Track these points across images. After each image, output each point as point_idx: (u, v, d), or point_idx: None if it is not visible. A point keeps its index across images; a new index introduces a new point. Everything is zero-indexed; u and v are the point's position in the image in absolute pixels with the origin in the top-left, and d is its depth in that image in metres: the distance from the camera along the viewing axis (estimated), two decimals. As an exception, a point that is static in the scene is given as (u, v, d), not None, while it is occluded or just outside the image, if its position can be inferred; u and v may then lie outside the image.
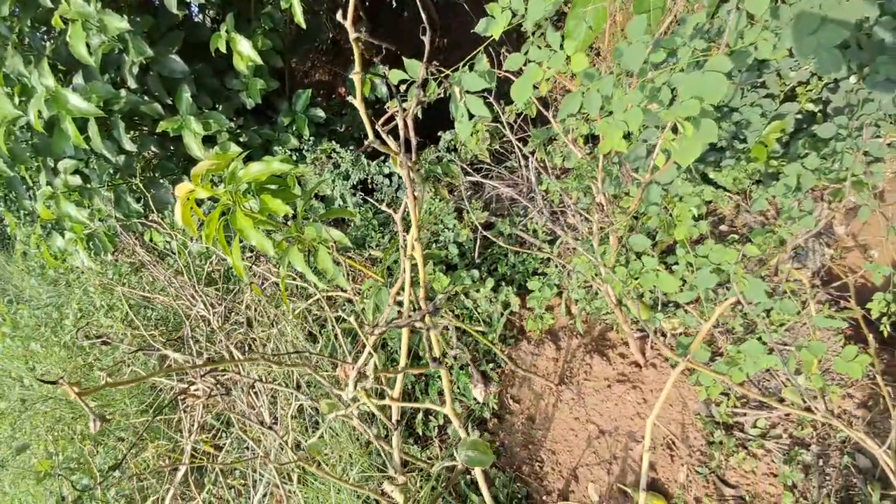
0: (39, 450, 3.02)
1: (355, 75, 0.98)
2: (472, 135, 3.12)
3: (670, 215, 1.59)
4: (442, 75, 1.13)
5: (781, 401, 1.79)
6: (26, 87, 2.88)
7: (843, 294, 1.94)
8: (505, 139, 3.02)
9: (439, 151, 3.10)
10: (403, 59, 1.14)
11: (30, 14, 2.84)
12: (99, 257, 3.27)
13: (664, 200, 1.63)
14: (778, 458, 1.79)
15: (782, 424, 1.85)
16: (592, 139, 2.19)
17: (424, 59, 0.94)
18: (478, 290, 2.45)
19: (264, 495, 2.06)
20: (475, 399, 2.33)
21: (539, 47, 1.05)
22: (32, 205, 3.34)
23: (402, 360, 1.37)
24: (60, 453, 2.87)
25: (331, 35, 5.23)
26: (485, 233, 2.30)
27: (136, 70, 3.03)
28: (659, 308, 1.90)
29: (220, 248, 1.52)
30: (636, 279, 1.51)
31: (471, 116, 1.12)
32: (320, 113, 3.54)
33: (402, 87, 1.17)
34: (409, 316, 1.23)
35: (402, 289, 1.31)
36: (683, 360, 1.10)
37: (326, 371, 2.09)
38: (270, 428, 1.91)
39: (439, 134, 3.15)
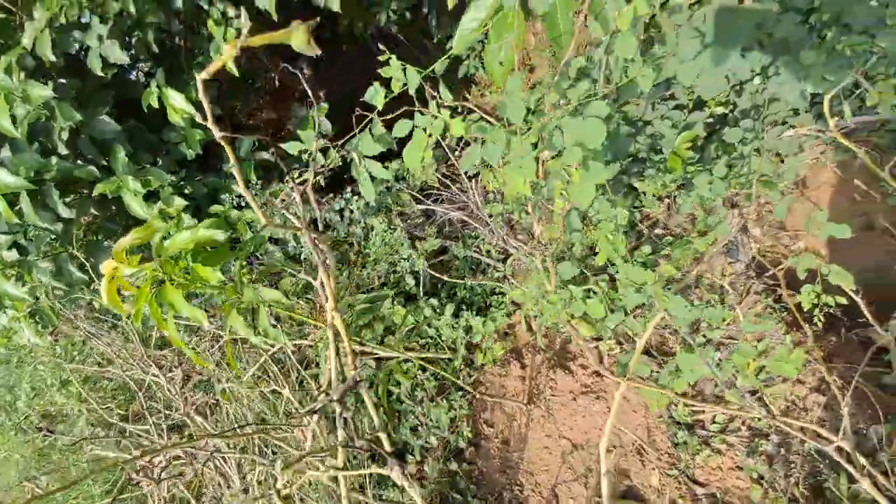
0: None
1: (234, 167, 0.97)
2: (420, 161, 3.15)
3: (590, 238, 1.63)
4: (340, 142, 1.14)
5: (723, 402, 1.84)
6: (-53, 165, 2.76)
7: (777, 283, 2.02)
8: (451, 162, 3.06)
9: (387, 181, 3.11)
10: (299, 132, 1.14)
11: (-55, 90, 2.73)
12: (46, 332, 3.12)
13: (587, 225, 1.68)
14: (741, 452, 1.83)
15: (739, 417, 1.90)
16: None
17: (315, 133, 0.95)
18: (438, 319, 2.45)
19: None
20: (447, 425, 2.30)
21: (422, 114, 1.08)
22: (-32, 286, 3.17)
23: (340, 435, 1.34)
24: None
25: (274, 75, 5.21)
26: (440, 257, 2.30)
27: (65, 135, 2.94)
28: (606, 315, 1.93)
29: (154, 322, 1.48)
30: (568, 306, 1.53)
31: (373, 178, 1.13)
32: (266, 155, 3.51)
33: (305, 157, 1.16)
34: (326, 395, 1.21)
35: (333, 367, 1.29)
36: (623, 381, 1.12)
37: (288, 432, 2.04)
38: (245, 491, 1.84)
39: (385, 165, 3.16)
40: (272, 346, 2.17)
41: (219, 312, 1.51)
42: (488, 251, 2.52)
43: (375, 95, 1.09)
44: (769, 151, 1.59)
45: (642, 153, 1.71)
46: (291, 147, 1.12)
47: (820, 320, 1.51)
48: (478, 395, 2.41)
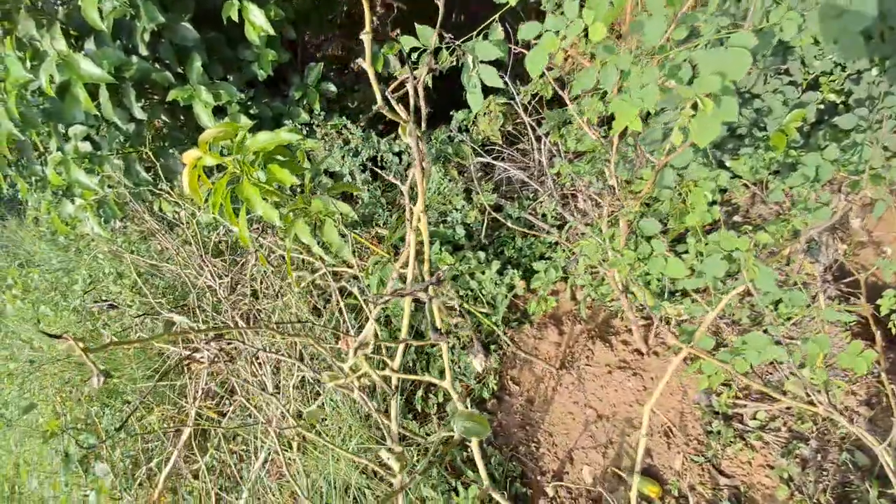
0: (47, 410, 3.10)
1: (365, 35, 0.95)
2: (483, 115, 3.08)
3: (683, 202, 1.57)
4: (455, 44, 1.10)
5: (784, 393, 1.78)
6: (38, 51, 2.86)
7: (854, 291, 1.91)
8: (518, 121, 2.98)
9: (451, 131, 3.07)
10: (416, 26, 1.11)
11: (42, -25, 2.81)
12: (108, 225, 3.29)
13: (678, 186, 1.60)
14: (775, 451, 1.79)
15: (782, 418, 1.85)
16: (608, 122, 2.15)
17: (437, 25, 0.92)
18: (483, 272, 2.44)
19: (265, 461, 2.11)
20: (475, 372, 2.34)
21: (556, 16, 1.02)
22: (43, 170, 3.36)
23: (404, 331, 1.37)
24: (67, 413, 2.95)
25: (345, 8, 5.14)
26: (494, 214, 2.28)
27: (147, 37, 3.00)
28: (665, 297, 1.89)
29: (226, 218, 1.53)
30: (644, 262, 1.49)
31: (484, 89, 1.09)
32: (332, 87, 3.50)
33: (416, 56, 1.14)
34: (412, 287, 1.22)
35: (407, 263, 1.31)
36: (687, 347, 1.09)
37: (329, 344, 2.11)
38: (273, 395, 1.92)
39: (451, 113, 3.11)
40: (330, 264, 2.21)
41: (282, 226, 1.54)
42: (544, 215, 2.48)
43: None
44: (879, 144, 1.47)
45: (742, 129, 1.61)
46: (406, 42, 1.09)
47: (894, 327, 1.42)
48: (509, 353, 2.42)
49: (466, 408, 2.48)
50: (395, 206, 3.07)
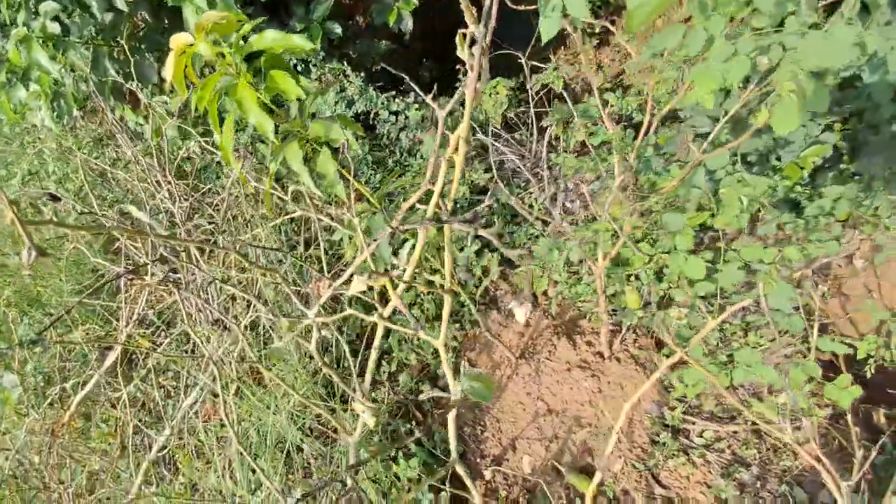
0: (-45, 309, 2.78)
1: None
2: (490, 95, 2.99)
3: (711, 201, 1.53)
4: None
5: (737, 415, 1.81)
6: None
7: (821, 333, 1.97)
8: (521, 109, 2.90)
9: (452, 102, 2.95)
10: None
11: None
12: (62, 120, 2.96)
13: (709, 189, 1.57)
14: (715, 471, 1.83)
15: (728, 440, 1.89)
16: (624, 119, 2.12)
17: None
18: (461, 250, 2.37)
19: (196, 401, 1.96)
20: (433, 348, 2.27)
21: None
22: (3, 46, 2.98)
23: (411, 268, 1.27)
24: (-22, 316, 2.65)
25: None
26: (494, 187, 2.18)
27: (145, -79, 2.70)
28: (642, 304, 1.88)
29: (210, 122, 1.36)
30: (664, 256, 1.45)
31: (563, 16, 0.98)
32: (337, 29, 3.29)
33: None
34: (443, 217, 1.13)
35: (426, 194, 1.20)
36: (681, 351, 1.06)
37: (297, 287, 1.98)
38: (223, 327, 1.77)
39: (457, 85, 3.00)
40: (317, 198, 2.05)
41: (274, 142, 1.40)
42: (531, 205, 2.42)
43: None
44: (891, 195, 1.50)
45: (751, 156, 1.60)
46: None
47: (871, 371, 1.47)
48: (470, 334, 2.37)
49: (417, 384, 2.41)
50: (380, 165, 2.93)
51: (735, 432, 1.89)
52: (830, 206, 1.53)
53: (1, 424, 2.46)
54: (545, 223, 2.46)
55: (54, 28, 2.79)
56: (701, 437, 1.92)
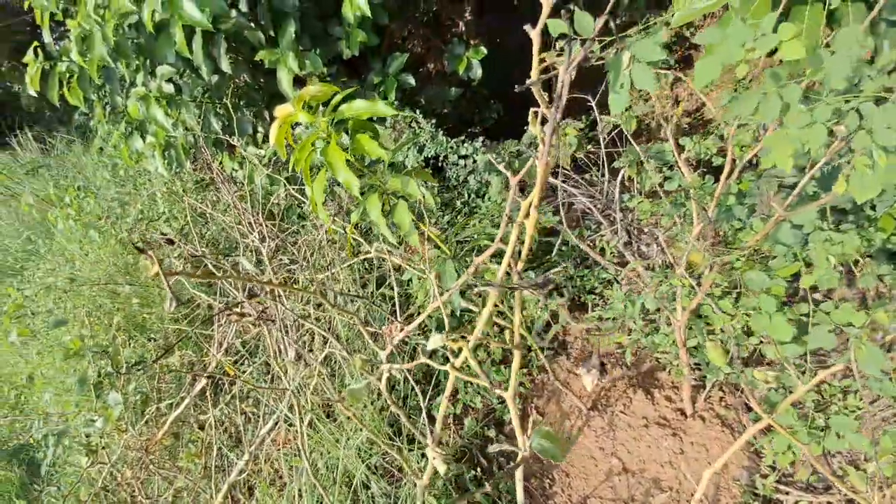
0: (74, 330, 3.16)
1: (542, 25, 0.89)
2: (559, 138, 3.02)
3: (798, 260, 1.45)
4: (610, 39, 1.04)
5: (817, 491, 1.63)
6: (146, -13, 2.96)
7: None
8: (591, 150, 2.90)
9: (520, 145, 3.02)
10: (575, 10, 1.05)
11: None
12: (172, 168, 3.37)
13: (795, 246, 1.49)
14: (810, 548, 1.64)
15: None
16: (704, 164, 2.06)
17: (605, 12, 0.86)
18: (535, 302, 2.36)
19: (273, 428, 2.07)
20: (497, 394, 2.25)
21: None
22: (124, 102, 3.47)
23: (480, 327, 1.31)
24: (92, 338, 3.00)
25: (434, 8, 5.21)
26: (565, 229, 2.18)
27: (250, -5, 3.08)
28: (729, 361, 1.76)
29: (303, 178, 1.51)
30: (742, 317, 1.39)
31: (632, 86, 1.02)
32: (410, 80, 3.52)
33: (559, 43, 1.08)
34: (518, 280, 1.17)
35: (495, 256, 1.25)
36: (768, 417, 1.00)
37: (367, 327, 2.07)
38: (299, 358, 1.88)
39: (525, 128, 3.06)
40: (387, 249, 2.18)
41: (357, 197, 1.51)
42: (602, 249, 2.38)
43: None
44: None
45: (849, 203, 1.50)
46: (554, 27, 1.03)
47: None
48: (538, 380, 2.33)
49: (483, 429, 2.40)
50: (448, 207, 3.02)
51: (829, 503, 1.69)
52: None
53: (102, 438, 2.74)
54: (619, 266, 2.41)
55: (169, 88, 3.23)
56: (794, 509, 1.74)
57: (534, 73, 1.00)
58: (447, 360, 1.51)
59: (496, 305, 2.41)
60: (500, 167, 1.20)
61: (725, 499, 1.82)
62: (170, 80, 3.30)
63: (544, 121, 1.03)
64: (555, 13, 0.90)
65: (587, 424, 2.13)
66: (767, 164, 0.99)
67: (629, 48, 0.98)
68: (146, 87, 3.24)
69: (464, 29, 4.99)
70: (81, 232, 3.70)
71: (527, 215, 1.17)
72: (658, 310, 1.85)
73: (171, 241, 1.82)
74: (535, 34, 0.92)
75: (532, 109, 1.05)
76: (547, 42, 1.04)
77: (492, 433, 2.22)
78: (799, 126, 0.91)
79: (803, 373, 1.49)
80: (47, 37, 3.42)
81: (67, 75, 3.32)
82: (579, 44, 0.92)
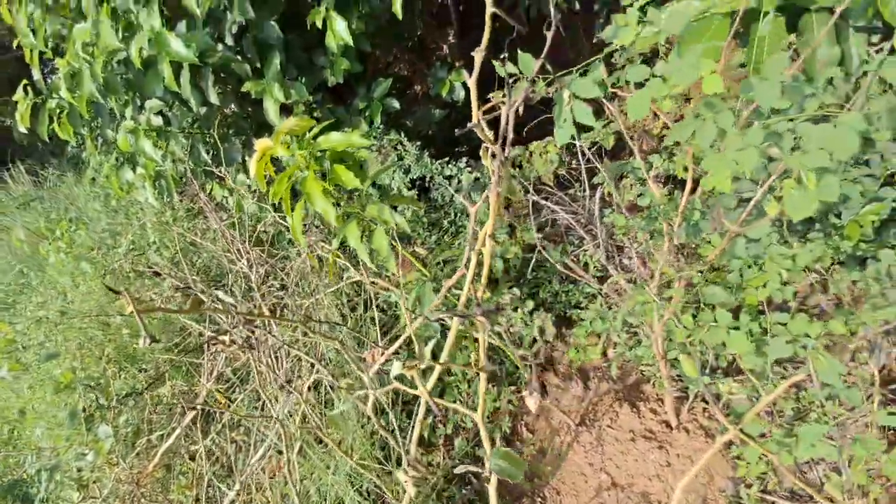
0: (65, 363, 3.16)
1: (478, 52, 0.96)
2: (540, 155, 3.09)
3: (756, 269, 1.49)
4: (552, 76, 1.11)
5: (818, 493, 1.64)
6: (131, 24, 3.03)
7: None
8: (573, 166, 2.97)
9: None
10: (519, 53, 1.11)
11: (149, -44, 3.00)
12: (162, 198, 3.41)
13: (746, 259, 1.54)
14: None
15: None
16: (672, 180, 2.12)
17: (542, 55, 0.92)
18: (515, 310, 2.40)
19: (263, 456, 2.07)
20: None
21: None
22: (114, 135, 3.53)
23: (446, 351, 1.34)
24: (84, 370, 2.99)
25: (419, 33, 5.34)
26: (543, 247, 2.23)
27: (234, 29, 3.16)
28: (706, 372, 1.79)
29: (284, 209, 1.55)
30: (704, 331, 1.42)
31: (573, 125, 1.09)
32: (395, 103, 3.59)
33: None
34: (467, 309, 1.20)
35: (458, 283, 1.28)
36: (734, 428, 1.02)
37: (353, 351, 2.09)
38: (287, 385, 1.89)
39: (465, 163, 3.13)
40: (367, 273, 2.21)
41: (335, 226, 1.55)
42: (586, 263, 2.43)
43: (620, 31, 1.04)
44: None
45: (815, 213, 1.54)
46: (501, 69, 1.09)
47: None
48: (526, 395, 2.34)
49: (473, 449, 2.40)
50: (435, 227, 3.07)
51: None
52: (886, 269, 1.43)
53: (94, 472, 2.72)
54: (602, 280, 2.45)
55: (157, 120, 3.29)
56: (780, 519, 1.75)
57: (475, 116, 1.05)
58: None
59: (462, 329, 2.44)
60: (460, 198, 1.25)
61: (712, 510, 1.83)
62: (159, 113, 3.37)
63: (494, 156, 1.08)
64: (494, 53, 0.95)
65: (576, 440, 2.14)
66: (708, 187, 1.04)
67: (568, 86, 1.04)
68: (135, 120, 3.31)
69: (447, 52, 5.11)
70: (73, 264, 3.72)
71: (483, 244, 1.21)
72: (640, 324, 1.89)
73: (157, 274, 1.85)
74: (471, 83, 0.98)
75: (483, 146, 1.10)
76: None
77: (482, 453, 2.23)
78: (734, 149, 0.96)
79: (771, 384, 1.52)
80: (37, 74, 3.49)
81: (58, 111, 3.38)
82: (525, 82, 0.98)
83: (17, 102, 3.39)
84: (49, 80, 3.58)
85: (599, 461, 2.06)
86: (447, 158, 3.19)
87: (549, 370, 2.39)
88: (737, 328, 1.46)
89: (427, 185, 3.29)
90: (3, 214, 5.73)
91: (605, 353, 2.32)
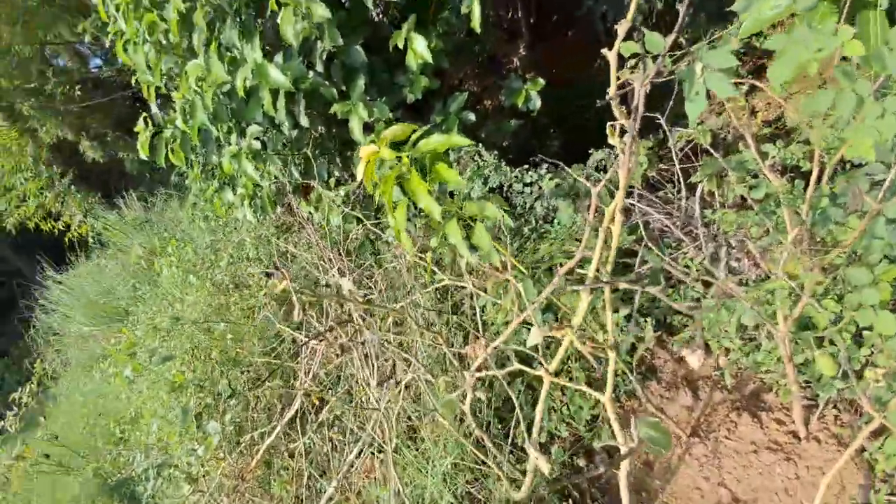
0: (175, 365, 3.45)
1: (623, 23, 0.95)
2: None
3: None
4: (680, 53, 1.07)
5: None
6: (235, 58, 3.35)
7: None
8: (663, 167, 2.85)
9: (586, 169, 3.02)
10: (646, 32, 1.09)
11: (249, -6, 3.32)
12: (258, 215, 3.69)
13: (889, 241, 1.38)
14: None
15: None
16: (792, 170, 1.96)
17: (675, 30, 0.90)
18: (615, 311, 2.30)
19: (359, 455, 2.12)
20: (585, 419, 2.17)
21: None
22: (218, 160, 3.88)
23: (577, 320, 1.31)
24: (193, 372, 3.26)
25: (488, 48, 5.45)
26: (650, 248, 2.13)
27: (324, 56, 3.40)
28: (839, 373, 1.61)
29: (387, 209, 1.61)
30: (851, 314, 1.28)
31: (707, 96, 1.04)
32: (471, 116, 3.66)
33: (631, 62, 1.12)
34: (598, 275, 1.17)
35: (584, 261, 1.26)
36: (880, 416, 0.91)
37: (451, 347, 2.11)
38: (389, 380, 1.93)
39: (590, 152, 3.07)
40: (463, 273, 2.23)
41: (439, 222, 1.58)
42: (687, 266, 2.29)
43: (754, 3, 1.00)
44: None
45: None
46: (626, 47, 1.07)
47: None
48: (628, 406, 2.22)
49: (571, 459, 2.30)
50: (517, 234, 3.05)
51: None
52: None
53: (203, 466, 2.92)
54: (706, 285, 2.29)
55: (257, 145, 3.59)
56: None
57: (612, 90, 1.04)
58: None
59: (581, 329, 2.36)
60: (582, 178, 1.23)
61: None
62: (257, 138, 3.67)
63: (623, 133, 1.06)
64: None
65: (688, 452, 1.99)
66: (851, 155, 0.95)
67: (701, 58, 0.99)
68: (238, 145, 3.63)
69: (518, 64, 5.16)
70: (181, 277, 4.10)
71: (612, 220, 1.18)
72: (757, 326, 1.74)
73: (269, 275, 2.00)
74: (611, 55, 0.97)
75: (609, 123, 1.08)
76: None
77: (581, 462, 2.13)
78: (873, 118, 0.87)
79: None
80: (154, 108, 3.95)
81: (172, 140, 3.79)
82: (651, 60, 0.96)
83: (129, 135, 3.85)
84: (164, 113, 4.05)
85: (717, 475, 1.89)
86: (525, 167, 3.19)
87: (651, 379, 2.26)
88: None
89: (506, 193, 3.30)
90: (121, 234, 6.47)
91: (716, 362, 2.15)
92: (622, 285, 1.17)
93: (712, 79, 0.99)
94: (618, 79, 1.04)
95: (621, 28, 0.95)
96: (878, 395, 1.20)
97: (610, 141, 1.10)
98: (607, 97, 0.99)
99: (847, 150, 0.95)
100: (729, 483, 1.86)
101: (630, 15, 0.94)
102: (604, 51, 0.98)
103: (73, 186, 8.65)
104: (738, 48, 2.02)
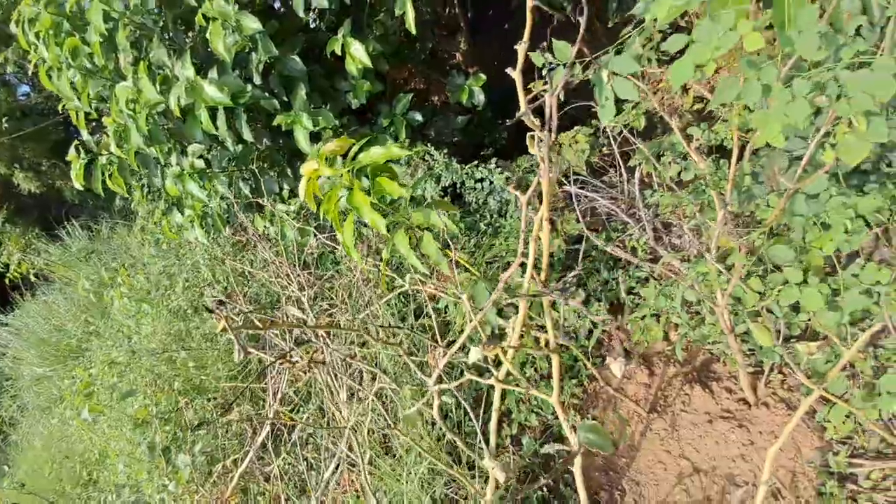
0: (138, 400, 3.33)
1: (521, 44, 0.98)
2: (569, 145, 3.07)
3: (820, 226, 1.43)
4: (588, 59, 1.12)
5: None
6: (167, 77, 3.22)
7: None
8: (605, 153, 2.94)
9: (534, 158, 3.08)
10: (553, 41, 1.13)
11: (174, 10, 3.20)
12: (210, 235, 3.57)
13: (808, 217, 1.48)
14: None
15: (893, 477, 1.60)
16: (716, 150, 2.06)
17: (578, 40, 0.94)
18: (566, 302, 2.37)
19: (334, 471, 2.12)
20: (552, 406, 2.24)
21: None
22: (162, 182, 3.73)
23: (515, 335, 1.34)
24: (156, 405, 3.15)
25: (430, 45, 5.44)
26: (592, 237, 2.20)
27: (261, 68, 3.31)
28: (778, 343, 1.72)
29: (334, 225, 1.60)
30: (775, 293, 1.37)
31: (616, 101, 1.09)
32: (418, 116, 3.66)
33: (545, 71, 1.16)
34: (541, 288, 1.21)
35: (521, 267, 1.29)
36: (818, 388, 0.98)
37: (415, 357, 2.12)
38: (353, 396, 1.93)
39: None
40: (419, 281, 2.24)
41: (385, 235, 1.59)
42: (633, 248, 2.38)
43: (652, 4, 1.04)
44: None
45: (867, 164, 1.48)
46: (536, 58, 1.11)
47: None
48: (591, 389, 2.31)
49: (540, 447, 2.37)
50: (473, 230, 3.09)
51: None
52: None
53: (176, 502, 2.83)
54: (653, 262, 2.39)
55: (200, 164, 3.47)
56: (868, 479, 1.64)
57: (522, 105, 1.07)
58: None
59: (531, 318, 2.42)
60: (510, 188, 1.26)
61: (802, 482, 1.74)
62: (200, 156, 3.55)
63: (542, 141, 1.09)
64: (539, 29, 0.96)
65: (649, 428, 2.08)
66: (760, 143, 1.01)
67: (606, 66, 1.04)
68: (180, 165, 3.49)
69: (460, 59, 5.18)
70: (135, 307, 3.94)
71: (540, 228, 1.21)
72: (700, 301, 1.84)
73: (222, 303, 1.95)
74: (516, 74, 1.00)
75: (528, 134, 1.11)
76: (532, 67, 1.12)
77: (552, 451, 2.20)
78: (784, 102, 0.94)
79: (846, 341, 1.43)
80: (85, 134, 3.74)
81: (108, 166, 3.61)
82: (561, 68, 0.99)
83: (65, 163, 3.65)
84: (97, 137, 3.85)
85: (677, 447, 2.00)
86: (475, 163, 3.22)
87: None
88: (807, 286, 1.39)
89: (458, 190, 3.32)
90: (66, 267, 6.14)
91: (667, 337, 2.26)
92: (552, 297, 1.20)
93: (619, 84, 1.04)
94: (529, 91, 1.07)
95: (521, 48, 0.98)
96: (816, 368, 1.30)
97: (530, 151, 1.13)
98: (518, 113, 1.02)
99: (755, 138, 1.01)
100: (689, 454, 1.97)
101: (526, 35, 0.97)
102: (507, 70, 1.01)
103: (6, 224, 8.11)
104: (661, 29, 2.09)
